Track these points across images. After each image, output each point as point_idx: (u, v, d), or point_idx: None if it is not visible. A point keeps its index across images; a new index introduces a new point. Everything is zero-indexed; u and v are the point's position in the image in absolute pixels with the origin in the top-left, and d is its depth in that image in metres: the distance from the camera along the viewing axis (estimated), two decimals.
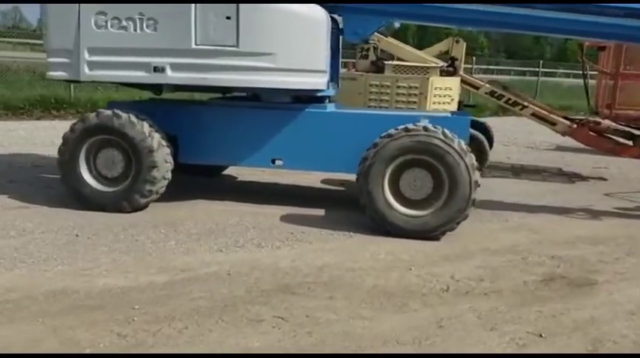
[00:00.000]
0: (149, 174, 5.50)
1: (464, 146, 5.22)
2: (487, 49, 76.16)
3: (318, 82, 5.60)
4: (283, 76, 5.39)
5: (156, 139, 5.52)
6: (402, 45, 9.27)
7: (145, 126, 5.49)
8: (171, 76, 5.44)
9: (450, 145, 5.15)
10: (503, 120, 15.55)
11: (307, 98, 5.91)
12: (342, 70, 8.74)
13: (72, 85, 12.76)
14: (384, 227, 5.31)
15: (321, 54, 5.51)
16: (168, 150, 5.63)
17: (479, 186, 5.29)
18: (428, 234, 5.25)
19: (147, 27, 5.36)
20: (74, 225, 5.19)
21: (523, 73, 28.85)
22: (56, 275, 4.07)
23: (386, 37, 9.23)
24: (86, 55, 5.49)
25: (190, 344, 3.22)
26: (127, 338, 3.24)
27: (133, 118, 5.48)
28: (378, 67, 8.89)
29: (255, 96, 6.17)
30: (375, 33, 9.11)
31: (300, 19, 5.40)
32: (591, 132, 8.74)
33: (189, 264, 4.41)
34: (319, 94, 5.89)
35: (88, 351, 3.08)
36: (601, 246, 5.41)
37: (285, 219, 5.68)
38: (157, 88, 5.90)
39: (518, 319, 3.72)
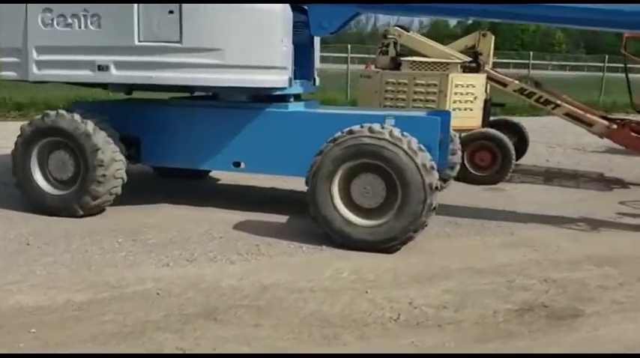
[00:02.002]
0: (96, 173, 5.22)
1: (415, 146, 4.65)
2: (564, 44, 72.73)
3: (275, 79, 5.14)
4: (232, 73, 4.99)
5: (101, 137, 5.22)
6: (424, 39, 8.66)
7: (90, 125, 5.20)
8: (116, 75, 5.15)
9: (397, 145, 4.60)
10: (555, 118, 14.46)
11: (268, 97, 5.45)
12: (360, 67, 8.24)
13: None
14: (334, 238, 4.82)
15: (274, 49, 5.05)
16: (116, 148, 5.31)
17: (437, 188, 4.70)
18: (383, 245, 4.72)
19: (91, 24, 5.10)
20: (32, 233, 4.97)
21: (600, 69, 27.09)
22: None
23: (407, 31, 8.65)
24: (34, 54, 5.29)
25: None
26: None
27: (77, 118, 5.21)
28: (397, 64, 8.33)
29: (215, 96, 5.79)
30: (396, 27, 8.61)
31: (248, 11, 4.96)
32: (633, 133, 7.83)
33: (124, 280, 4.07)
34: (279, 93, 5.40)
35: None
36: (608, 267, 4.68)
37: (257, 228, 5.26)
38: (104, 86, 5.62)
39: None
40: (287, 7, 5.17)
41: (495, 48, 9.09)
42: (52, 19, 5.18)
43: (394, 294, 3.98)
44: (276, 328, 3.44)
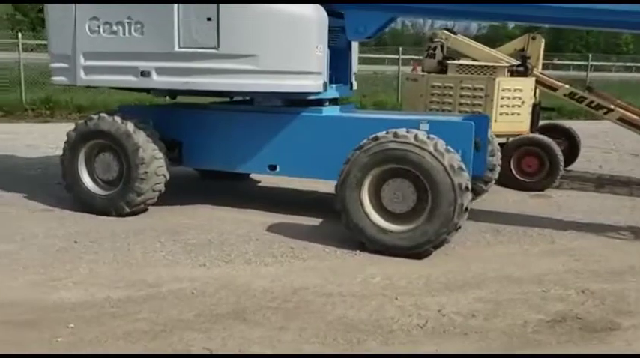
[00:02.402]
0: (138, 171, 5.43)
1: (441, 147, 4.62)
2: (632, 44, 69.96)
3: (309, 84, 5.22)
4: (267, 78, 5.10)
5: (141, 136, 5.43)
6: (471, 42, 8.56)
7: (129, 125, 5.42)
8: (157, 81, 5.34)
9: (422, 148, 4.59)
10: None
11: (303, 101, 5.52)
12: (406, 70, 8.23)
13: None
14: (369, 246, 4.84)
15: (309, 55, 5.12)
16: (156, 146, 5.50)
17: (468, 189, 4.65)
18: (418, 249, 4.71)
19: (135, 31, 5.30)
20: (80, 232, 5.20)
21: None
22: (20, 285, 4.05)
23: (454, 34, 8.56)
24: (82, 60, 5.53)
25: None
26: None
27: (117, 119, 5.44)
28: (444, 67, 8.27)
29: (253, 100, 5.91)
30: (443, 30, 8.54)
31: (283, 18, 5.06)
32: None
33: (161, 278, 4.22)
34: (314, 97, 5.47)
35: None
36: None
37: (294, 231, 5.34)
38: (147, 91, 5.82)
39: None
40: (322, 13, 5.24)
41: (558, 50, 8.93)
42: (99, 27, 5.41)
43: (424, 301, 3.98)
44: (302, 331, 3.49)
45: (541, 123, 9.22)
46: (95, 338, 3.33)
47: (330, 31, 5.41)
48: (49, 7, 5.70)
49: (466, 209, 4.64)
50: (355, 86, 6.28)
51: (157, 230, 5.29)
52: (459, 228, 4.71)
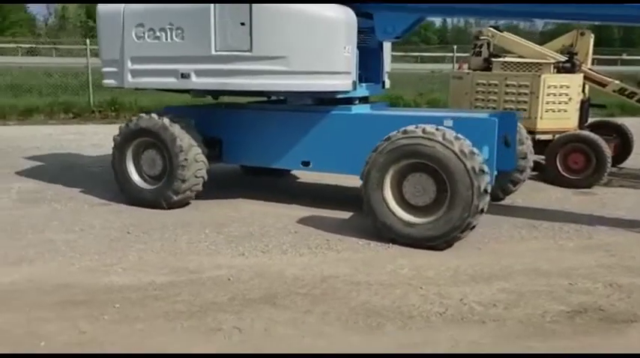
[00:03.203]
0: (179, 159, 5.81)
1: (466, 148, 4.75)
2: None
3: (338, 83, 5.46)
4: (297, 78, 5.36)
5: (186, 140, 5.80)
6: (518, 39, 8.54)
7: (177, 129, 5.79)
8: (196, 82, 5.71)
9: (431, 139, 4.77)
10: None
11: (333, 100, 5.76)
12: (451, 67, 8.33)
13: None
14: (399, 241, 5.01)
15: (337, 55, 5.36)
16: (199, 150, 5.88)
17: (486, 192, 4.78)
18: (431, 242, 4.89)
19: (176, 36, 5.68)
20: (133, 223, 5.60)
21: None
22: (77, 270, 4.45)
23: (501, 31, 8.57)
24: (129, 64, 5.97)
25: (135, 345, 3.33)
26: (86, 334, 3.45)
27: (166, 121, 5.82)
28: (490, 65, 8.31)
29: (287, 99, 6.20)
30: (489, 28, 8.57)
31: (311, 21, 5.31)
32: None
33: (202, 266, 4.54)
34: (344, 96, 5.70)
35: (42, 344, 3.34)
36: None
37: (331, 224, 5.57)
38: (187, 92, 6.19)
39: (490, 353, 3.27)
40: (350, 14, 5.47)
41: (630, 45, 8.77)
42: (144, 33, 5.84)
43: (448, 291, 4.13)
44: (325, 315, 3.72)
45: (593, 119, 9.12)
46: (137, 316, 3.67)
47: (360, 31, 5.63)
48: (100, 17, 6.18)
49: (485, 191, 4.76)
50: (388, 84, 6.48)
51: (203, 222, 5.64)
52: (482, 210, 4.83)
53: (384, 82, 6.37)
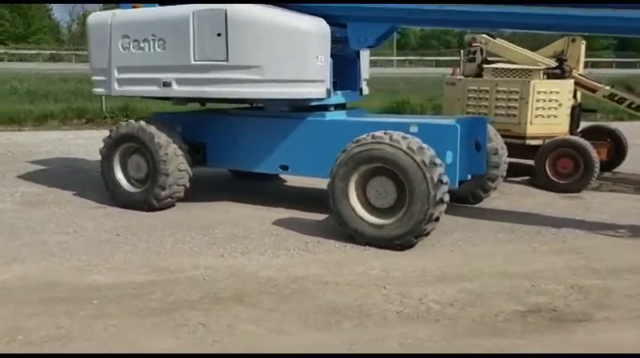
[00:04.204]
0: (162, 175, 6.13)
1: (413, 145, 4.99)
2: None
3: (311, 91, 5.71)
4: (272, 87, 5.63)
5: (170, 150, 6.10)
6: (511, 46, 8.70)
7: (163, 138, 6.08)
8: (177, 90, 6.01)
9: (396, 147, 5.01)
10: None
11: (308, 107, 6.02)
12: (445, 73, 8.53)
13: None
14: (359, 239, 5.27)
15: (310, 64, 5.61)
16: (182, 159, 6.17)
17: (442, 182, 4.99)
18: (401, 240, 5.10)
19: (158, 47, 5.98)
20: (124, 226, 5.87)
21: None
22: (65, 269, 4.71)
23: (494, 38, 8.72)
24: (116, 73, 6.29)
25: (105, 340, 3.57)
26: (62, 329, 3.70)
27: (154, 130, 6.11)
28: (483, 71, 8.47)
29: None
30: (482, 35, 8.72)
31: (284, 32, 5.58)
32: None
33: (181, 266, 4.78)
34: (318, 103, 5.95)
35: (20, 338, 3.59)
36: None
37: (312, 227, 5.78)
38: (168, 100, 6.49)
39: (438, 351, 3.45)
40: (323, 26, 5.75)
41: (624, 48, 8.85)
42: (129, 44, 6.15)
43: (410, 291, 4.31)
44: (288, 313, 3.93)
45: (588, 124, 9.22)
46: (111, 313, 3.91)
47: (336, 40, 5.92)
48: (90, 28, 6.52)
49: (440, 181, 4.96)
50: (366, 91, 6.74)
51: (190, 224, 5.89)
52: (442, 200, 5.01)
53: (361, 89, 6.61)
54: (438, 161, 4.99)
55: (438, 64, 37.08)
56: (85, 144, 11.32)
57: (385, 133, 5.13)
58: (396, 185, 5.13)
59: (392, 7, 5.78)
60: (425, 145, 5.03)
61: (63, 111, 14.67)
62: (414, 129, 5.34)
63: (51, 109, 14.73)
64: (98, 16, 6.64)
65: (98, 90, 6.57)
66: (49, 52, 29.26)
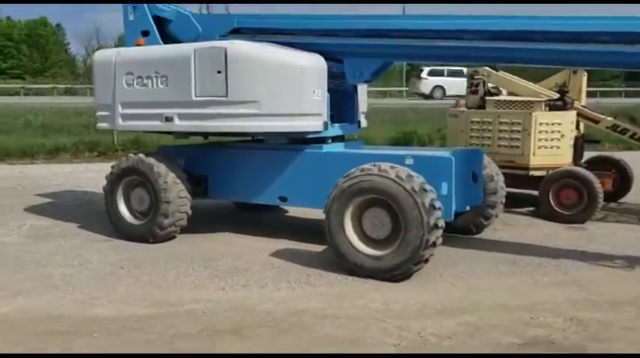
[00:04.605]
0: (164, 207, 6.24)
1: (402, 173, 5.09)
2: None
3: (309, 124, 5.85)
4: (269, 120, 5.78)
5: (170, 178, 6.24)
6: (513, 78, 8.77)
7: (162, 168, 6.23)
8: (179, 125, 6.14)
9: (384, 176, 5.09)
10: None
11: (307, 139, 6.14)
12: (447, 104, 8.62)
13: None
14: (359, 272, 5.28)
15: (307, 98, 5.77)
16: (182, 187, 6.30)
17: (439, 228, 5.03)
18: (399, 269, 5.12)
19: (161, 83, 6.16)
20: (128, 258, 5.94)
21: None
22: (67, 302, 4.77)
23: (496, 70, 8.82)
24: (120, 109, 6.46)
25: None
26: None
27: (153, 161, 6.27)
28: (485, 103, 8.55)
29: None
30: (484, 67, 8.82)
31: (281, 68, 5.75)
32: None
33: (182, 299, 4.82)
34: (316, 136, 6.08)
35: None
36: None
37: (315, 259, 5.81)
38: (171, 134, 6.67)
39: None
40: (320, 62, 5.93)
41: (633, 78, 8.91)
42: (133, 80, 6.33)
43: (409, 324, 4.31)
44: (285, 346, 3.96)
45: (594, 154, 9.23)
46: (108, 345, 3.97)
47: (334, 75, 6.12)
48: (95, 65, 6.73)
49: (432, 206, 5.00)
50: (365, 124, 6.87)
51: (193, 257, 5.95)
52: (436, 225, 5.03)
53: (359, 122, 6.76)
54: (428, 187, 5.06)
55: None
56: (95, 177, 11.42)
57: (374, 165, 5.23)
58: (390, 215, 5.18)
59: (385, 44, 5.95)
60: (414, 173, 5.12)
61: (75, 144, 14.93)
62: (409, 161, 5.44)
63: (63, 142, 15.00)
64: (103, 53, 6.87)
65: (102, 124, 6.73)
66: (64, 86, 29.78)
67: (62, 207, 8.61)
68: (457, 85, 27.34)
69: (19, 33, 62.29)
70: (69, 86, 29.30)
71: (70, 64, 66.40)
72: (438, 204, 5.04)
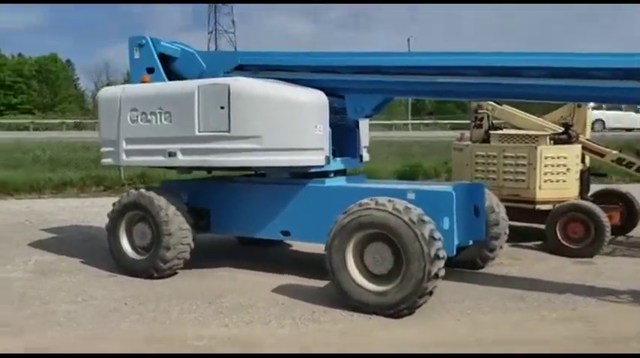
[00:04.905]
0: (165, 241, 6.24)
1: (399, 205, 5.08)
2: None
3: (310, 159, 5.89)
4: (272, 155, 5.83)
5: (170, 210, 6.25)
6: (516, 112, 8.81)
7: (162, 201, 6.26)
8: (182, 160, 6.19)
9: (382, 210, 5.10)
10: None
11: (309, 173, 6.17)
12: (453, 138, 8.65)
13: None
14: (364, 310, 5.22)
15: (308, 133, 5.83)
16: (182, 219, 6.31)
17: (441, 258, 5.00)
18: (396, 308, 5.07)
19: (164, 119, 6.23)
20: (132, 295, 5.91)
21: None
22: (70, 339, 4.75)
23: (500, 104, 8.86)
24: (124, 144, 6.52)
25: None
26: None
27: (153, 195, 6.32)
28: (489, 137, 8.58)
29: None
30: (489, 101, 8.88)
31: (283, 104, 5.83)
32: None
33: (185, 336, 4.79)
34: (317, 170, 6.11)
35: None
36: None
37: (320, 295, 5.75)
38: (174, 169, 6.74)
39: None
40: (321, 97, 6.01)
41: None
42: (137, 116, 6.41)
43: None
44: None
45: (600, 188, 9.20)
46: None
47: (336, 110, 6.19)
48: (100, 102, 6.82)
49: (432, 237, 4.99)
50: (367, 158, 6.94)
51: (197, 293, 5.91)
52: (437, 256, 5.00)
53: (361, 156, 6.83)
54: (426, 218, 5.06)
55: (455, 126, 37.51)
56: (101, 211, 11.37)
57: (371, 199, 5.25)
58: (391, 249, 5.17)
59: (385, 80, 6.05)
60: (411, 205, 5.13)
61: (82, 178, 15.00)
62: (410, 195, 5.46)
63: (70, 177, 15.07)
64: (109, 90, 6.98)
65: (106, 160, 6.79)
66: (73, 120, 30.19)
67: (68, 242, 8.63)
68: (617, 118, 27.71)
69: (29, 69, 63.36)
70: (78, 121, 29.63)
71: (79, 99, 67.30)
72: (437, 234, 5.04)
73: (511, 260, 7.33)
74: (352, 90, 6.25)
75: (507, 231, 6.75)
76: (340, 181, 6.36)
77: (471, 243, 6.06)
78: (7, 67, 62.69)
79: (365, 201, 5.28)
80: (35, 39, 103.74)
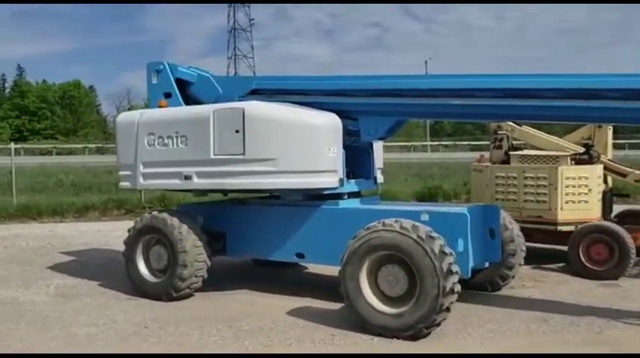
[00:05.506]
0: (182, 264, 6.28)
1: (408, 225, 5.08)
2: None
3: (324, 181, 5.91)
4: (286, 177, 5.87)
5: (184, 229, 6.30)
6: (536, 132, 8.75)
7: (175, 220, 6.32)
8: (197, 183, 6.27)
9: (392, 231, 5.10)
10: None
11: (323, 195, 6.16)
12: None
13: None
14: (385, 334, 5.17)
15: (322, 156, 5.87)
16: (196, 237, 6.34)
17: (454, 273, 4.97)
18: (411, 330, 5.03)
19: (180, 143, 6.33)
20: (153, 318, 5.92)
21: None
22: None
23: (520, 125, 8.81)
24: (141, 168, 6.61)
25: None
26: None
27: (166, 215, 6.38)
28: (509, 158, 8.52)
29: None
30: (509, 122, 8.84)
31: (297, 127, 5.89)
32: None
33: None
34: (331, 192, 6.11)
35: None
36: None
37: (339, 318, 5.70)
38: (189, 192, 6.81)
39: None
40: (335, 120, 6.06)
41: None
42: (154, 141, 6.51)
43: None
44: None
45: (624, 208, 9.06)
46: None
47: (350, 133, 6.25)
48: (118, 126, 6.95)
49: (443, 251, 4.98)
50: (381, 179, 6.95)
51: (218, 316, 5.91)
52: (450, 271, 4.98)
53: (375, 178, 6.82)
54: (434, 234, 5.05)
55: (474, 148, 37.32)
56: (122, 235, 11.48)
57: (379, 222, 5.24)
58: (403, 269, 5.14)
59: (398, 102, 6.07)
60: (419, 223, 5.12)
61: (104, 202, 15.18)
62: (424, 217, 5.45)
63: (92, 201, 15.24)
64: (127, 115, 7.12)
65: (124, 184, 6.88)
66: (95, 145, 30.64)
67: (89, 265, 8.70)
68: None
69: (53, 95, 64.62)
70: (100, 145, 30.08)
71: (101, 123, 68.32)
72: (447, 249, 5.02)
73: (533, 282, 7.22)
74: (366, 112, 6.29)
75: (524, 248, 6.68)
76: (354, 203, 6.36)
77: (487, 265, 6.00)
78: (32, 94, 64.04)
79: (373, 224, 5.29)
80: (59, 65, 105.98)
